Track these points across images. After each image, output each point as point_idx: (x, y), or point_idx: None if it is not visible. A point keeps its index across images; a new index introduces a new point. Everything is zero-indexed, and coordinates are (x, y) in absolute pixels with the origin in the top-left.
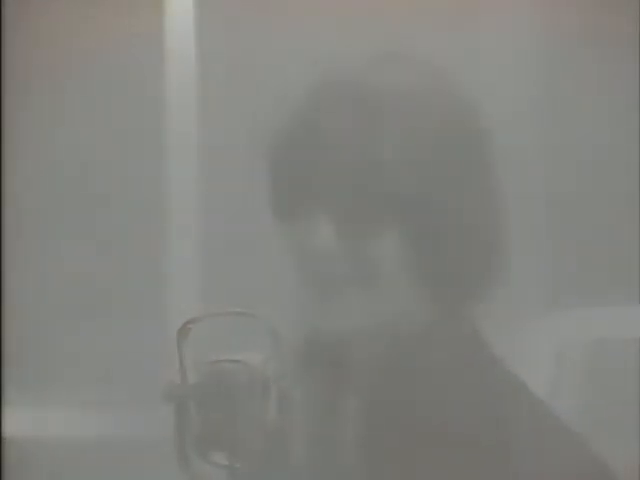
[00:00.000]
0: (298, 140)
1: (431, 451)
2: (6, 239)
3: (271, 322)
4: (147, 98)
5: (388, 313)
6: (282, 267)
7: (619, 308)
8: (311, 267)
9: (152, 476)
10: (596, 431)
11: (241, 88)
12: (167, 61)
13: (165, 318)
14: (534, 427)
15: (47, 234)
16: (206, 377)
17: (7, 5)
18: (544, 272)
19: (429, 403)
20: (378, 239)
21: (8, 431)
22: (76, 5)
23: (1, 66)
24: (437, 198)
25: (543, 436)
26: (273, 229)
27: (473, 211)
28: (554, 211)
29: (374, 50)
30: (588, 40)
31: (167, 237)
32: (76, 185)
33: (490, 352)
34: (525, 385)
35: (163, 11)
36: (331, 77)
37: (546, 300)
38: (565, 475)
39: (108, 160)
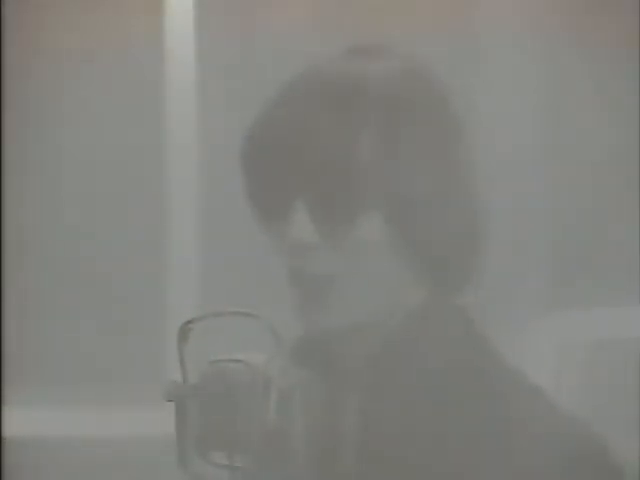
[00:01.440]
0: (272, 133)
1: (431, 447)
2: (6, 239)
3: (271, 322)
4: (147, 98)
5: (376, 305)
6: (282, 267)
7: (619, 308)
8: (294, 261)
9: (152, 476)
10: (596, 430)
11: (241, 88)
12: (167, 61)
13: (165, 318)
14: (534, 417)
15: (47, 234)
16: (207, 377)
17: (7, 5)
18: (544, 272)
19: (427, 398)
20: (358, 229)
21: (8, 431)
22: (76, 5)
23: (1, 66)
24: (417, 187)
25: (543, 425)
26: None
27: (453, 198)
28: (554, 212)
29: (352, 43)
30: (588, 40)
31: (167, 237)
32: (76, 185)
33: (487, 343)
34: (523, 374)
35: (163, 11)
36: (305, 70)
37: (546, 300)
38: (566, 461)
39: (108, 160)
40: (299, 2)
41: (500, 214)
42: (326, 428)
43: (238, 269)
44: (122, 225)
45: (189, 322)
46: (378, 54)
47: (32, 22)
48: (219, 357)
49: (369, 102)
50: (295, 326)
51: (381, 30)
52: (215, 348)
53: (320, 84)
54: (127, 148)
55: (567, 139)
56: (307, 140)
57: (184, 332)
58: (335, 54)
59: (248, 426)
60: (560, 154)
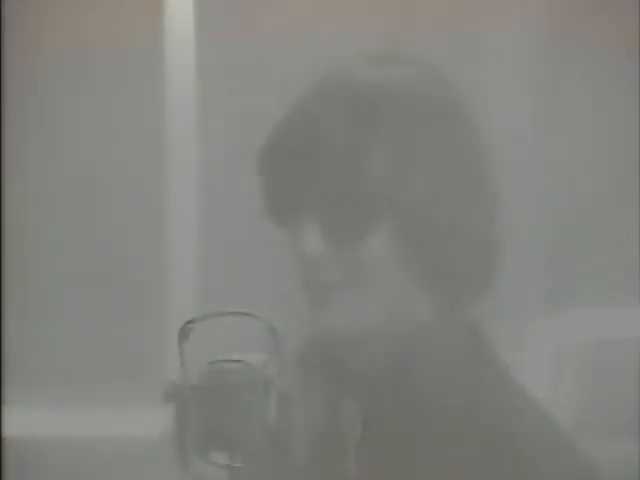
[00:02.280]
0: (286, 144)
1: (430, 450)
2: (6, 239)
3: (271, 322)
4: (147, 98)
5: (383, 313)
6: (282, 267)
7: (619, 308)
8: (304, 270)
9: (152, 476)
10: (596, 430)
11: (241, 88)
12: (167, 61)
13: (165, 318)
14: (529, 428)
15: (47, 234)
16: (207, 377)
17: (7, 5)
18: (545, 273)
19: (428, 403)
20: (368, 240)
21: (8, 431)
22: (76, 5)
23: (1, 66)
24: (428, 197)
25: (538, 438)
26: (272, 230)
27: (466, 209)
28: (555, 213)
29: (366, 51)
30: (588, 40)
31: (167, 237)
32: (76, 185)
33: (489, 350)
34: (522, 386)
35: (163, 11)
36: (321, 80)
37: (546, 300)
38: (558, 476)
39: (108, 160)
40: (299, 2)
41: (500, 214)
42: (326, 428)
43: (238, 269)
44: (122, 225)
45: (189, 322)
46: (392, 64)
47: (32, 22)
48: (219, 357)
49: (383, 114)
50: (295, 327)
51: (381, 30)
52: (215, 348)
53: (337, 92)
54: (127, 148)
55: (567, 139)
56: (321, 150)
57: (184, 332)
58: (350, 63)
59: (248, 426)
60: (560, 154)
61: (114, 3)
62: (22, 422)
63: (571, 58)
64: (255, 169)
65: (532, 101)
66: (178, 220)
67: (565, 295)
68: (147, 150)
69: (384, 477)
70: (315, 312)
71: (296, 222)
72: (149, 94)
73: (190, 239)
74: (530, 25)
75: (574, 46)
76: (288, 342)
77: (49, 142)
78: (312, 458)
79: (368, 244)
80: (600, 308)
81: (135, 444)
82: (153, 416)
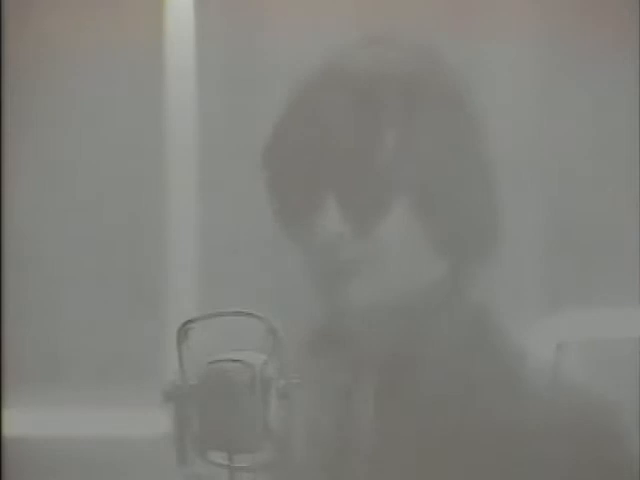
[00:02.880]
0: (292, 135)
1: (436, 443)
2: (6, 239)
3: (271, 322)
4: (147, 98)
5: (401, 291)
6: (282, 266)
7: (619, 308)
8: (323, 253)
9: (152, 476)
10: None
11: (241, 88)
12: (167, 60)
13: (165, 318)
14: (536, 414)
15: (47, 234)
16: (206, 377)
17: (7, 5)
18: (544, 272)
19: (433, 390)
20: (386, 218)
21: (8, 431)
22: (76, 6)
23: (1, 66)
24: (439, 172)
25: (546, 424)
26: (273, 229)
27: (470, 183)
28: (554, 212)
29: (363, 38)
30: (587, 40)
31: (167, 237)
32: (76, 185)
33: (497, 335)
34: (529, 355)
35: (163, 11)
36: (324, 64)
37: (546, 300)
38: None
39: (108, 160)
40: (299, 2)
41: (499, 200)
42: (328, 428)
43: (238, 270)
44: (122, 225)
45: (189, 322)
46: (393, 44)
47: (32, 22)
48: (218, 357)
49: (389, 91)
50: (294, 326)
51: (381, 30)
52: (215, 348)
53: (339, 77)
54: (127, 148)
55: (566, 139)
56: (331, 134)
57: (184, 332)
58: (350, 46)
59: (248, 426)
60: (560, 154)
61: (114, 3)
62: (22, 422)
63: (571, 58)
64: (261, 164)
65: (531, 102)
66: (178, 220)
67: (565, 295)
68: (147, 150)
69: (386, 475)
70: (334, 292)
71: (313, 208)
72: (149, 94)
73: (190, 240)
74: (530, 24)
75: (574, 46)
76: (288, 342)
77: (49, 142)
78: (312, 458)
79: (386, 222)
80: (600, 308)
81: (135, 444)
82: (153, 416)
